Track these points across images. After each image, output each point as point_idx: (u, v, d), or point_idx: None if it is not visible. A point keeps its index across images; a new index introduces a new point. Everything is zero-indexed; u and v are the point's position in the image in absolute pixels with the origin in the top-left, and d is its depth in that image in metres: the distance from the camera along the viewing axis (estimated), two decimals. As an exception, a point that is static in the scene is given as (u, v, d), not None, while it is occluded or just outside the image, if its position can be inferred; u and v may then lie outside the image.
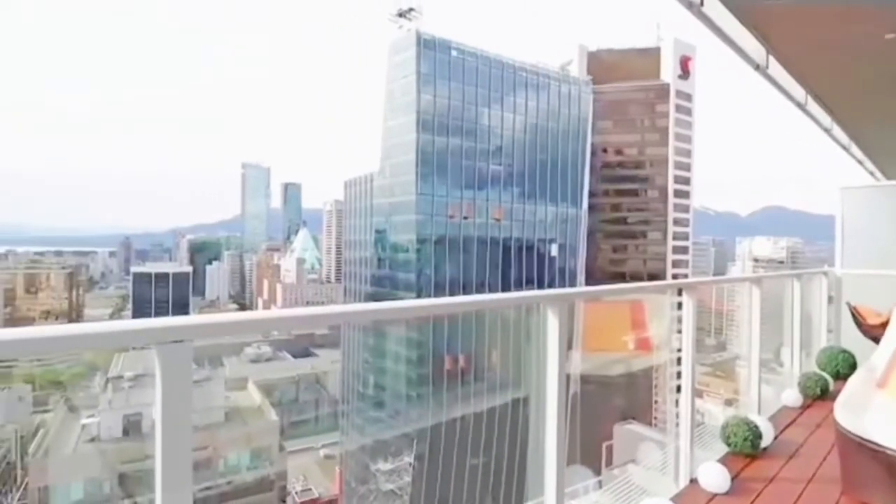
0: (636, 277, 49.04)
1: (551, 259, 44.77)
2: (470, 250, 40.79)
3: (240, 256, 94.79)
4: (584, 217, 46.95)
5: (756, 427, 2.75)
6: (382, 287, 42.24)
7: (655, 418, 26.79)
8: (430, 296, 38.05)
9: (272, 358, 50.29)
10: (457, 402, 35.19)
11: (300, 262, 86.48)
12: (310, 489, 32.94)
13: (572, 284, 44.07)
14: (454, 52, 40.41)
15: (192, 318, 1.44)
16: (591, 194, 48.50)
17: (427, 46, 39.03)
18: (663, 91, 50.67)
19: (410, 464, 33.32)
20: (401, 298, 38.30)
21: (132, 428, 17.48)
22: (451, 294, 38.07)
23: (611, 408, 25.60)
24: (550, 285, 43.44)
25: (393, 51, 40.86)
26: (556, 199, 45.09)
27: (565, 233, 45.60)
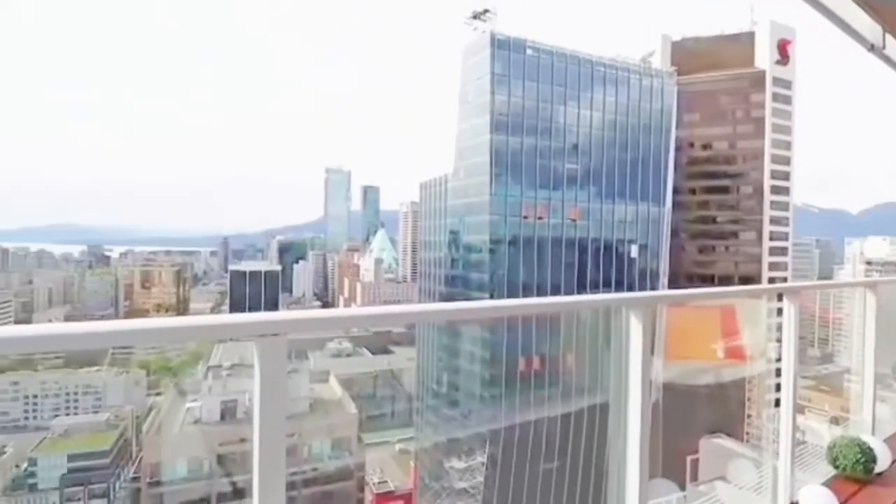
0: (726, 281, 45.60)
1: (631, 261, 42.81)
2: (544, 251, 40.05)
3: (323, 256, 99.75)
4: (667, 216, 44.39)
5: (869, 449, 2.48)
6: (455, 287, 42.60)
7: (748, 434, 24.80)
8: (502, 297, 37.87)
9: (352, 354, 52.41)
10: (530, 405, 34.69)
11: (378, 262, 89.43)
12: (386, 482, 33.92)
13: (654, 287, 41.87)
14: (529, 51, 39.90)
15: (287, 314, 1.56)
16: (676, 192, 45.69)
17: (501, 47, 38.87)
18: (758, 79, 46.68)
19: (483, 463, 33.33)
20: (474, 299, 38.41)
21: (228, 413, 19.08)
22: (525, 295, 37.59)
23: (696, 419, 24.04)
24: (630, 288, 41.56)
25: (467, 53, 41.12)
26: (637, 197, 43.04)
27: (646, 233, 43.40)
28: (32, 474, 26.52)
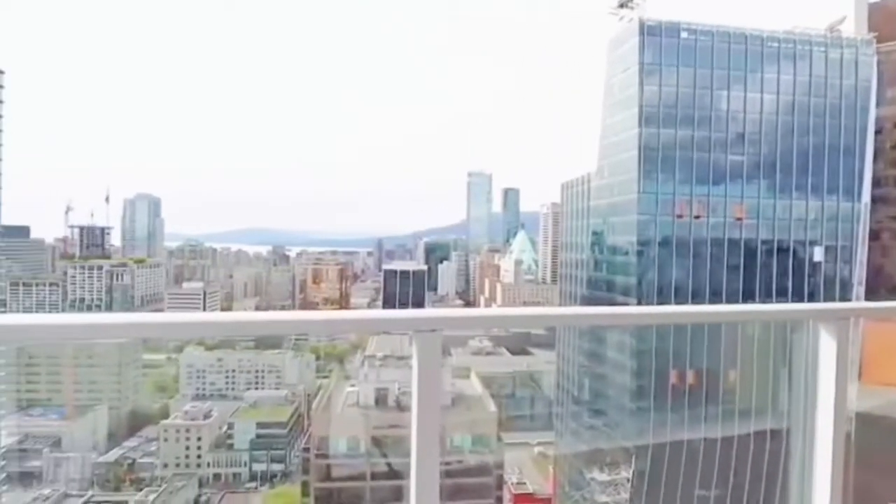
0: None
1: (814, 265, 36.56)
2: (701, 253, 36.21)
3: (465, 257, 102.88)
4: (863, 213, 36.93)
5: None
6: (598, 290, 40.75)
7: None
8: (652, 303, 35.19)
9: (491, 352, 53.21)
10: (682, 423, 31.70)
11: (518, 263, 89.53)
12: (524, 483, 33.82)
13: (845, 298, 35.23)
14: (684, 34, 36.48)
15: (443, 311, 1.69)
16: (876, 184, 37.77)
17: (651, 33, 36.14)
18: None
19: (628, 479, 31.36)
20: (618, 303, 36.32)
21: (381, 399, 20.87)
22: (678, 302, 34.53)
23: (907, 461, 19.58)
24: (812, 297, 35.59)
25: (613, 45, 39.07)
26: (822, 191, 36.60)
27: (834, 233, 36.66)
28: (231, 436, 32.63)
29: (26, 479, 30.46)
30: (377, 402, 20.96)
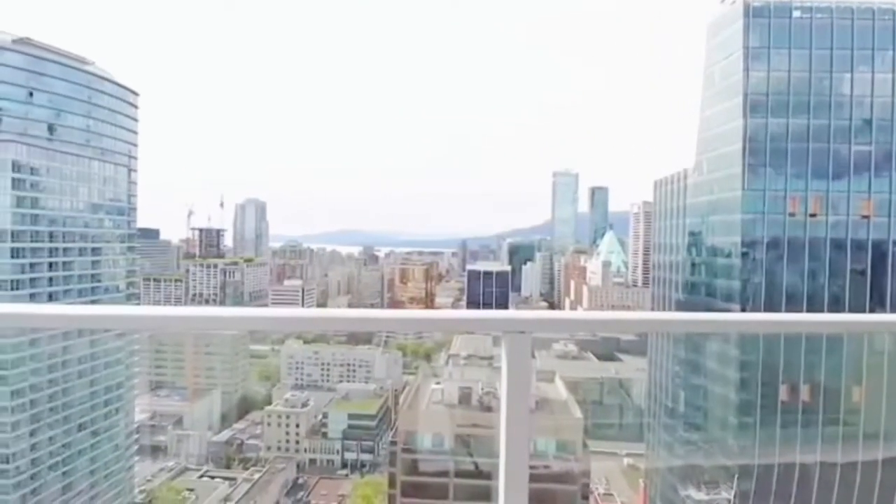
0: None
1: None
2: (818, 255, 32.54)
3: (549, 258, 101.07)
4: None
5: None
6: (696, 295, 38.08)
7: None
8: (758, 309, 32.27)
9: (577, 357, 51.75)
10: (794, 443, 28.69)
11: (605, 265, 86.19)
12: (612, 494, 32.52)
13: None
14: (796, 13, 33.03)
15: (532, 313, 1.77)
16: None
17: (758, 15, 33.14)
18: None
19: (729, 501, 29.01)
20: (719, 309, 33.74)
21: (464, 398, 21.17)
22: (790, 309, 31.36)
23: None
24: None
25: (712, 31, 36.35)
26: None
27: None
28: (325, 425, 34.96)
29: (154, 451, 34.79)
30: (461, 400, 21.28)
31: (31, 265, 28.77)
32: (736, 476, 29.36)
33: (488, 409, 20.73)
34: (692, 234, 39.32)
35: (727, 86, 34.74)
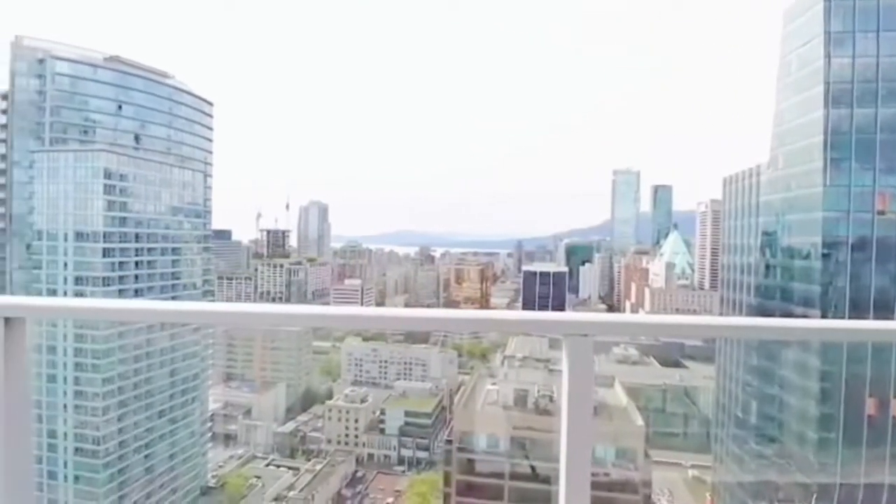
0: None
1: None
2: (914, 258, 29.62)
3: (609, 259, 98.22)
4: None
5: None
6: (771, 299, 35.69)
7: None
8: (841, 315, 29.78)
9: (638, 362, 49.98)
10: (884, 462, 26.21)
11: (669, 266, 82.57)
12: (675, 507, 31.10)
13: None
14: (888, -9, 30.20)
15: (595, 315, 1.75)
16: None
17: (842, -3, 30.63)
18: None
19: (807, 521, 26.95)
20: (796, 315, 31.55)
21: (520, 400, 20.97)
22: (879, 316, 28.71)
23: None
24: None
25: (789, 16, 33.96)
26: None
27: None
28: (382, 421, 35.82)
29: (225, 439, 37.04)
30: (516, 402, 21.10)
31: (120, 264, 31.47)
32: (814, 495, 27.22)
33: (545, 412, 20.41)
34: (766, 233, 36.93)
35: (805, 74, 32.32)
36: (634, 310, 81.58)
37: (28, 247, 31.01)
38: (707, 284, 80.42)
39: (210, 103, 40.65)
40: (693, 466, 39.85)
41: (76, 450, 28.40)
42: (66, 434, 28.38)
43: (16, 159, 32.05)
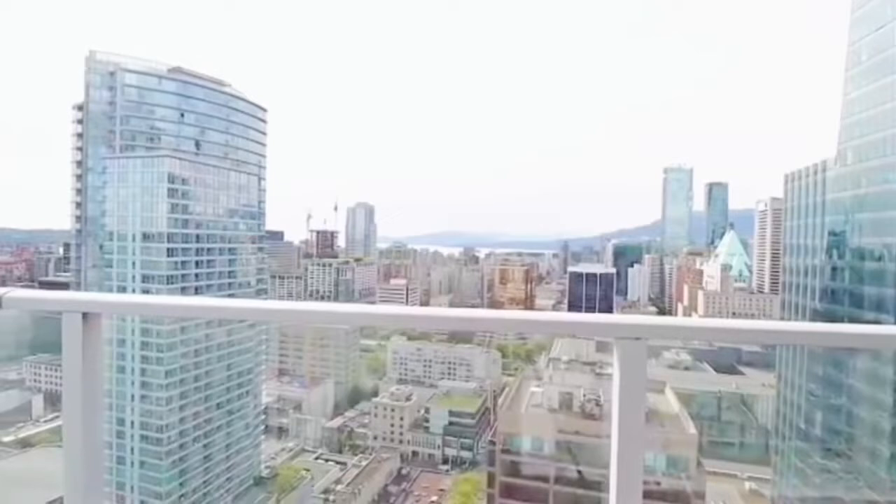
0: None
1: None
2: None
3: (660, 260, 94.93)
4: None
5: None
6: (838, 304, 33.45)
7: None
8: (922, 322, 27.45)
9: (690, 367, 48.12)
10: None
11: (725, 268, 78.83)
12: (731, 520, 29.64)
13: None
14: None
15: (648, 319, 1.69)
16: None
17: (923, -24, 28.30)
18: None
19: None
20: (866, 320, 29.46)
21: (565, 403, 20.58)
22: (967, 324, 26.28)
23: None
24: None
25: (857, 2, 31.78)
26: None
27: None
28: (427, 419, 36.15)
29: (278, 432, 38.45)
30: (561, 405, 20.72)
31: (182, 263, 33.28)
32: (889, 515, 25.24)
33: (591, 416, 19.94)
34: (833, 234, 34.63)
35: (877, 63, 30.08)
36: (687, 313, 78.39)
37: (101, 247, 33.34)
38: (766, 287, 76.22)
39: (264, 109, 42.36)
40: (750, 479, 37.94)
41: (142, 437, 30.26)
42: (133, 422, 30.29)
43: (90, 166, 34.60)
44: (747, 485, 37.66)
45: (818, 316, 35.36)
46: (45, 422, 29.19)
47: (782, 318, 44.06)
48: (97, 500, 2.06)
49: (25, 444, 27.12)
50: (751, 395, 44.47)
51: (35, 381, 32.40)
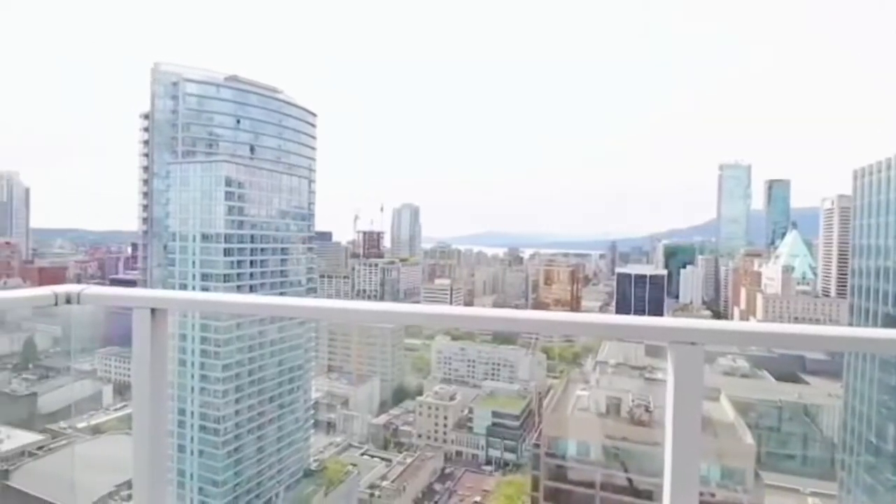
0: None
1: None
2: None
3: (714, 262, 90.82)
4: None
5: None
6: (916, 309, 30.90)
7: None
8: None
9: (748, 374, 45.78)
10: None
11: (787, 269, 74.49)
12: (792, 537, 27.90)
13: None
14: None
15: (704, 322, 1.62)
16: None
17: None
18: None
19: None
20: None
21: (612, 408, 20.01)
22: None
23: None
24: None
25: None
26: None
27: None
28: (470, 420, 36.14)
29: (326, 427, 39.55)
30: (608, 410, 20.16)
31: (238, 262, 34.86)
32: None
33: (640, 422, 19.30)
34: (910, 234, 32.03)
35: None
36: (745, 317, 74.51)
37: (165, 247, 35.41)
38: (833, 291, 71.36)
39: (314, 114, 43.69)
40: (813, 494, 35.70)
41: (200, 427, 31.85)
42: (192, 413, 31.94)
43: (155, 171, 36.82)
44: (810, 500, 35.37)
45: (890, 321, 32.91)
46: (115, 410, 31.27)
47: (850, 324, 41.27)
48: (162, 485, 2.19)
49: (96, 430, 29.16)
50: (815, 406, 41.88)
51: (106, 371, 34.74)
